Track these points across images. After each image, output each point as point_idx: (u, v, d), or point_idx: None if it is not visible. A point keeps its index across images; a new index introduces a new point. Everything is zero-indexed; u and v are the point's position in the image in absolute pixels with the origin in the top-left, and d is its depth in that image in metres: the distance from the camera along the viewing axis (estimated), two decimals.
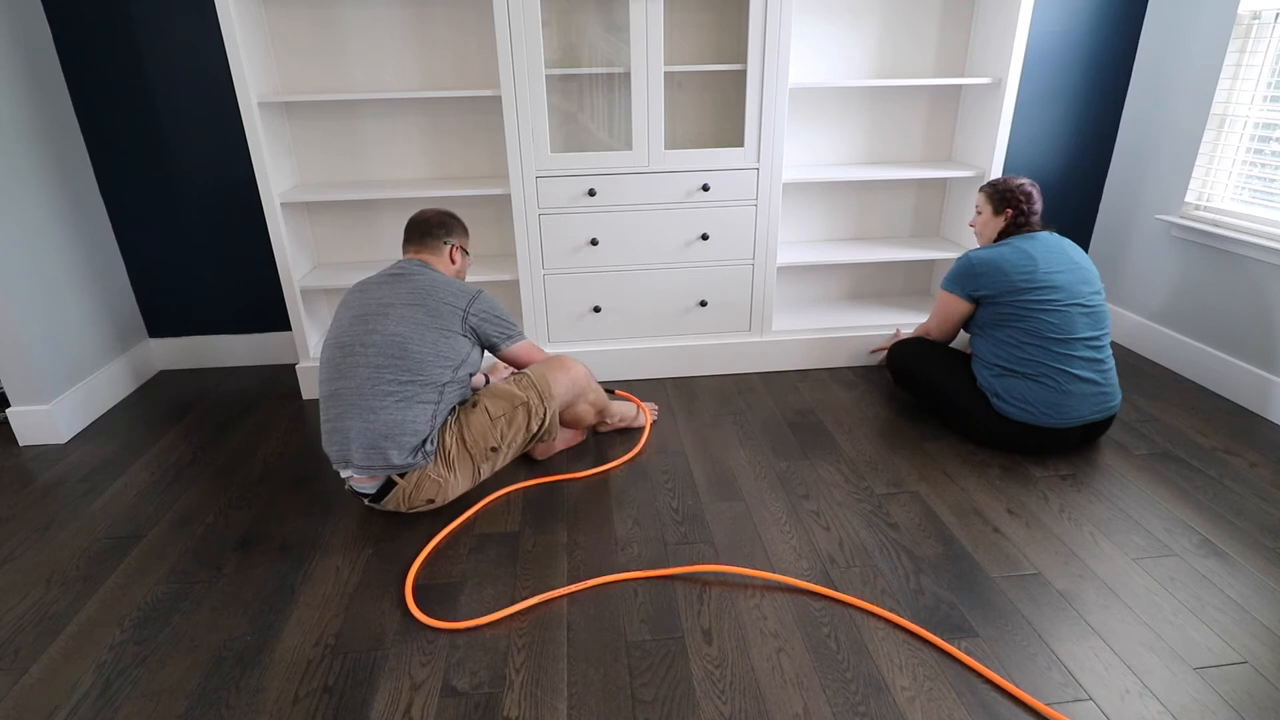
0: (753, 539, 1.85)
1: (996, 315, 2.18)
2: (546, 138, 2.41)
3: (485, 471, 1.95)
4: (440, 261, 2.05)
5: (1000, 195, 2.25)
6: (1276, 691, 1.40)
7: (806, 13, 2.64)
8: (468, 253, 2.13)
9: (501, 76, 2.31)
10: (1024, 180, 2.24)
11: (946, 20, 2.70)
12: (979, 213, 2.32)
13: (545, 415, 1.96)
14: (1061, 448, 2.18)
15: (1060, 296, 2.09)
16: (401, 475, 1.83)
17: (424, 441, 1.82)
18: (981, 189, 2.31)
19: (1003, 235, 2.26)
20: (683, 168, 2.50)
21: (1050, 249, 2.15)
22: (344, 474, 1.87)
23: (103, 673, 1.49)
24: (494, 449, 1.92)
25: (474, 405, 1.93)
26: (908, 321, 2.83)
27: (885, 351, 2.76)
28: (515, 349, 2.04)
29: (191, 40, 2.52)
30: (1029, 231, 2.22)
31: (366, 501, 1.91)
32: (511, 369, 2.44)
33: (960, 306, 2.27)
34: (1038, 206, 2.23)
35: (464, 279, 2.16)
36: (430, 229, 2.04)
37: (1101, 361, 2.11)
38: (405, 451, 1.80)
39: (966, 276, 2.23)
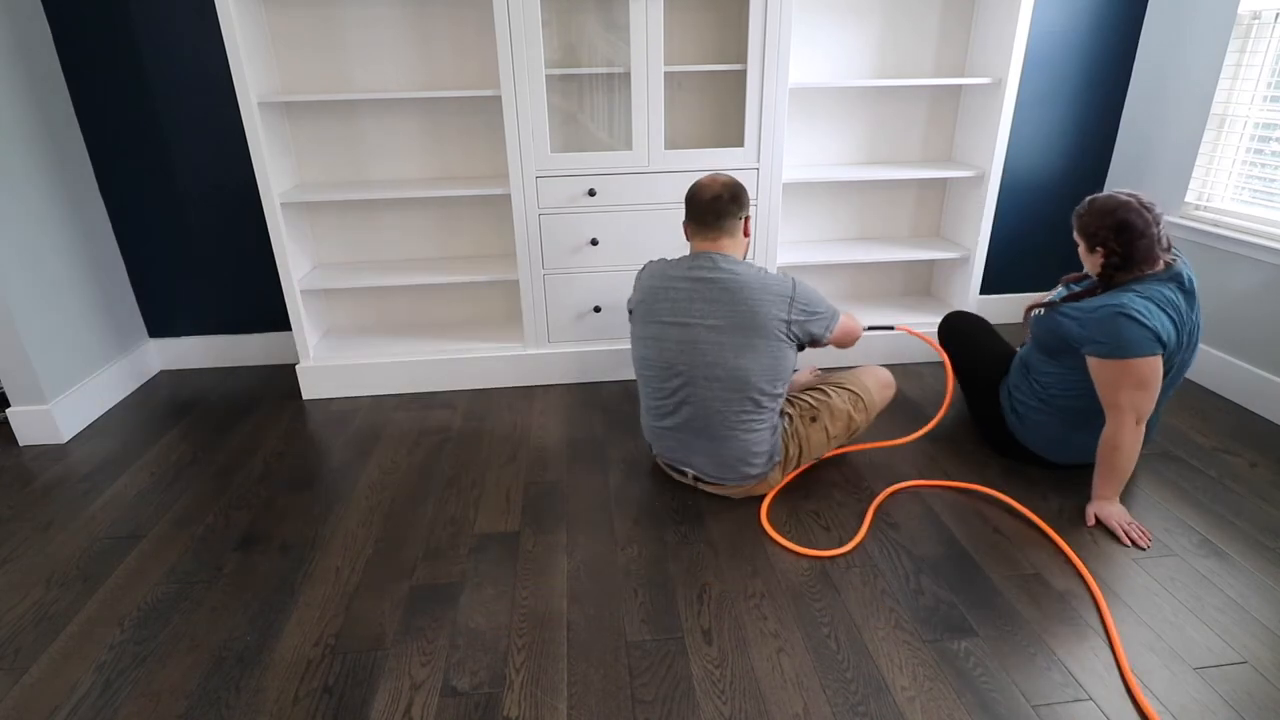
0: (753, 539, 1.85)
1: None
2: (546, 138, 2.41)
3: (792, 474, 2.06)
4: (735, 244, 1.88)
5: (1088, 232, 1.84)
6: (1276, 691, 1.40)
7: (807, 12, 2.64)
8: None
9: (501, 76, 2.31)
10: (1121, 204, 1.79)
11: (946, 20, 2.70)
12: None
13: (861, 431, 2.09)
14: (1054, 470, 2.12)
15: (1182, 364, 1.87)
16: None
17: (771, 454, 1.93)
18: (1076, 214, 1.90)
19: (1108, 275, 1.83)
20: (683, 168, 2.50)
21: (1191, 302, 1.81)
22: (670, 468, 2.04)
23: (103, 673, 1.49)
24: (816, 458, 2.06)
25: (814, 420, 1.99)
26: (905, 321, 2.82)
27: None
28: (837, 333, 1.95)
29: (191, 40, 2.52)
30: (1162, 270, 1.80)
31: (690, 476, 2.01)
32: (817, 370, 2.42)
33: (1159, 361, 1.77)
34: (1152, 234, 1.77)
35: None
36: (724, 207, 1.83)
37: None
38: (757, 465, 1.92)
39: (1150, 330, 1.73)
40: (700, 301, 1.83)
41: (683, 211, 2.53)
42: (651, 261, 1.99)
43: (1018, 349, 2.22)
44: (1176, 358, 1.83)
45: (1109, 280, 1.85)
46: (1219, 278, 2.55)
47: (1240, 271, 2.47)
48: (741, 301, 1.80)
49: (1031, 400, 2.04)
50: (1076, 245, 1.91)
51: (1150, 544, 1.80)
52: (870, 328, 2.38)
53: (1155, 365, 1.76)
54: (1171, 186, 2.74)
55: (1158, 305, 1.77)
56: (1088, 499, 1.97)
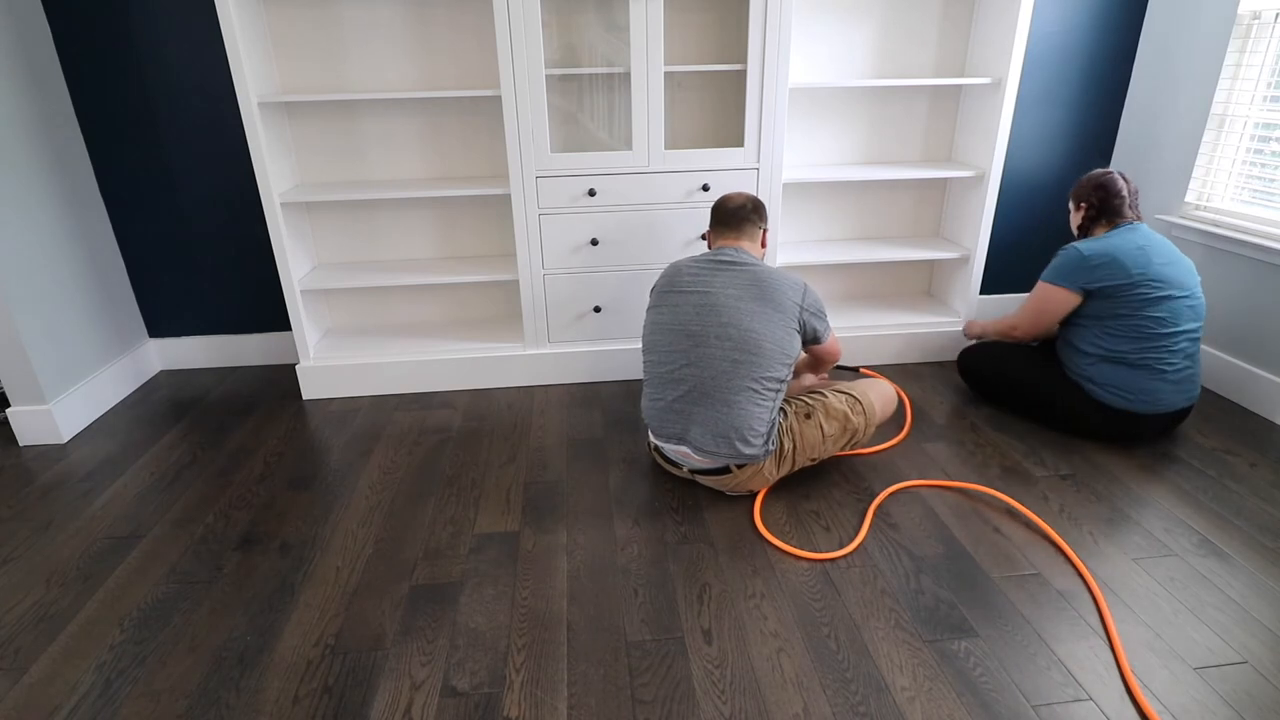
0: (753, 539, 1.85)
1: (1104, 306, 2.16)
2: (546, 138, 2.41)
3: (785, 472, 2.03)
4: (754, 247, 2.06)
5: (1075, 194, 2.28)
6: (1276, 691, 1.40)
7: (807, 13, 2.64)
8: None
9: (501, 76, 2.31)
10: (1104, 172, 2.24)
11: (946, 20, 2.70)
12: (1069, 212, 2.38)
13: (861, 437, 2.07)
14: (1147, 434, 2.22)
15: (1170, 290, 2.10)
16: (740, 466, 1.91)
17: (767, 438, 1.90)
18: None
19: (1087, 227, 2.26)
20: (683, 168, 2.50)
21: (1154, 240, 2.15)
22: (668, 447, 1.97)
23: (103, 673, 1.49)
24: (812, 460, 2.03)
25: (808, 416, 1.99)
26: (905, 321, 2.83)
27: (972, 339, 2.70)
28: (829, 342, 2.09)
29: (192, 40, 2.52)
30: (1126, 223, 2.20)
31: (686, 470, 2.01)
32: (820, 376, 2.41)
33: (1068, 300, 2.20)
34: (1125, 195, 2.20)
35: None
36: (747, 215, 2.04)
37: (1196, 354, 2.16)
38: (750, 444, 1.89)
39: (1079, 269, 2.17)
40: (723, 274, 1.95)
41: (683, 211, 2.56)
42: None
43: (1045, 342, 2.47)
44: (1150, 271, 2.10)
45: (1086, 233, 2.28)
46: (1219, 277, 2.55)
47: (1240, 271, 2.47)
48: (762, 280, 1.93)
49: (1089, 365, 2.21)
50: (1070, 222, 2.35)
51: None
52: (840, 366, 2.60)
53: (1055, 294, 2.21)
54: (1171, 186, 2.74)
55: (1106, 244, 2.14)
56: (1087, 499, 1.97)
